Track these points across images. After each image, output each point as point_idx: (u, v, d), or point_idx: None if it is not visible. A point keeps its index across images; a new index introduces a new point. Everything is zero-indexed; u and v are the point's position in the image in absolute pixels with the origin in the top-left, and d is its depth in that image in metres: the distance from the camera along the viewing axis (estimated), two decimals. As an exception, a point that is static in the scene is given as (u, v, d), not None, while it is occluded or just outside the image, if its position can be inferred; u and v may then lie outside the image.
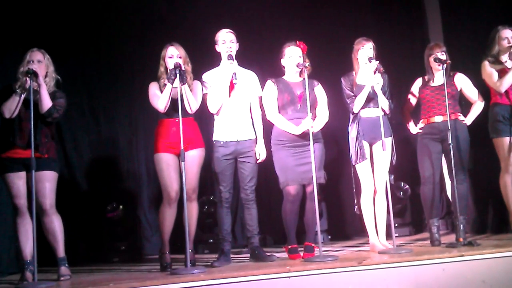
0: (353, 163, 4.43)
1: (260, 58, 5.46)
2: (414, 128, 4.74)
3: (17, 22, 5.25)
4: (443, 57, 4.55)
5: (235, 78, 4.22)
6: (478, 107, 4.66)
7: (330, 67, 5.28)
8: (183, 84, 4.10)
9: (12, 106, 3.99)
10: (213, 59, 4.52)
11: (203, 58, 4.71)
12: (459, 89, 4.64)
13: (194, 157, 4.26)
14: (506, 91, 4.54)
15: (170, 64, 4.19)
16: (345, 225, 6.08)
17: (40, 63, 4.11)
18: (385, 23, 6.14)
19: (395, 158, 4.48)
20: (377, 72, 4.30)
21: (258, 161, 4.37)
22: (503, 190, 4.57)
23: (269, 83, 4.39)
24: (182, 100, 4.07)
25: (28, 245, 4.02)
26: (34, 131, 3.87)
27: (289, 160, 4.23)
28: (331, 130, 4.58)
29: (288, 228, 4.31)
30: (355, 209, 4.58)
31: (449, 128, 4.31)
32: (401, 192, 5.81)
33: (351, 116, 4.46)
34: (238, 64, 4.38)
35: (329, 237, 5.85)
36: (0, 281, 4.44)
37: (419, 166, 4.65)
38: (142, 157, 6.02)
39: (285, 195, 4.27)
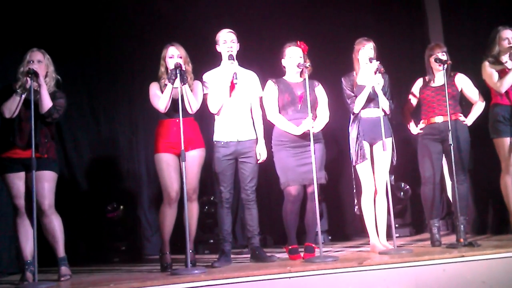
0: (354, 163, 4.43)
1: (261, 58, 5.46)
2: (414, 129, 4.74)
3: (17, 22, 5.25)
4: (444, 57, 4.55)
5: (236, 78, 4.22)
6: (478, 107, 4.66)
7: (331, 67, 5.28)
8: (184, 84, 4.10)
9: (13, 106, 3.98)
10: (213, 59, 4.51)
11: (204, 58, 4.71)
12: (459, 90, 4.64)
13: (195, 157, 4.26)
14: (507, 92, 4.54)
15: (171, 64, 4.19)
16: (345, 225, 6.08)
17: (40, 63, 4.11)
18: (385, 24, 6.14)
19: (395, 159, 4.48)
20: (377, 72, 4.30)
21: (258, 162, 4.36)
22: (503, 191, 4.57)
23: (270, 84, 4.39)
24: (182, 100, 4.07)
25: (28, 246, 4.02)
26: (34, 131, 3.87)
27: (290, 161, 4.23)
28: (331, 130, 4.58)
29: (289, 229, 4.31)
30: (356, 210, 4.58)
31: (450, 128, 4.31)
32: (402, 193, 5.81)
33: (352, 117, 4.46)
34: (239, 64, 4.38)
35: (330, 237, 5.85)
36: (0, 281, 4.44)
37: (419, 166, 4.65)
38: (142, 157, 6.02)
39: (286, 195, 4.26)
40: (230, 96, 4.32)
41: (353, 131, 4.42)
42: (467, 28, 5.58)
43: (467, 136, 4.58)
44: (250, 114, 4.43)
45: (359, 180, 4.45)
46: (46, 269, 4.41)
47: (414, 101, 4.77)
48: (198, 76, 4.43)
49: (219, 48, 4.45)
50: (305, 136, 4.18)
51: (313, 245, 4.28)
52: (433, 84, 4.64)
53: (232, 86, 4.30)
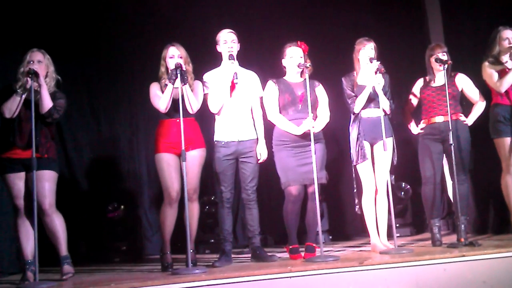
0: (354, 163, 4.43)
1: (261, 59, 5.46)
2: (415, 129, 4.74)
3: (17, 22, 5.25)
4: (444, 57, 4.55)
5: (236, 78, 4.22)
6: (479, 107, 4.66)
7: (331, 67, 5.28)
8: (184, 84, 4.10)
9: (13, 106, 3.99)
10: (214, 59, 4.51)
11: (204, 59, 4.71)
12: (460, 90, 4.64)
13: (195, 157, 4.26)
14: (507, 92, 4.54)
15: (171, 64, 4.19)
16: (346, 225, 6.08)
17: (40, 63, 4.11)
18: (385, 24, 6.14)
19: (396, 158, 4.47)
20: (378, 72, 4.30)
21: (259, 161, 4.36)
22: (504, 191, 4.57)
23: (270, 84, 4.39)
24: (183, 100, 4.07)
25: (29, 245, 4.02)
26: (34, 132, 3.87)
27: (291, 161, 4.23)
28: (332, 130, 4.58)
29: (289, 228, 4.31)
30: (356, 209, 4.58)
31: (450, 128, 4.31)
32: (402, 193, 5.81)
33: (352, 116, 4.46)
34: (239, 64, 4.38)
35: (330, 237, 5.86)
36: (1, 281, 4.44)
37: (420, 166, 4.65)
38: (142, 157, 6.03)
39: (287, 195, 4.27)
40: (230, 96, 4.32)
41: (353, 131, 4.42)
42: (467, 28, 5.58)
43: (468, 136, 4.58)
44: (250, 114, 4.43)
45: (359, 180, 4.45)
46: (46, 268, 4.42)
47: (414, 101, 4.78)
48: (198, 76, 4.43)
49: (219, 48, 4.45)
50: (305, 136, 4.18)
51: (314, 245, 4.29)
52: (433, 84, 4.64)
53: (233, 86, 4.30)
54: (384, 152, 4.31)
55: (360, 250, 4.74)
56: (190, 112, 4.24)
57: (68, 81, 4.58)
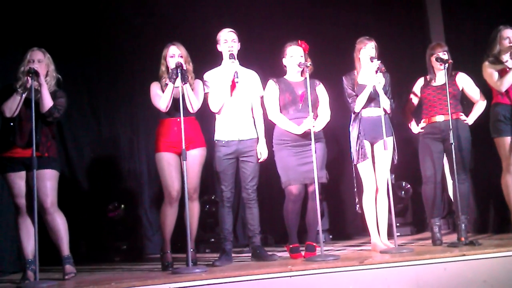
0: (355, 162, 4.43)
1: (262, 58, 5.46)
2: (415, 128, 4.74)
3: (17, 22, 5.25)
4: (445, 56, 4.56)
5: (237, 77, 4.22)
6: (480, 106, 4.66)
7: (331, 66, 5.28)
8: (185, 83, 4.10)
9: (13, 106, 3.99)
10: (214, 59, 4.52)
11: (204, 58, 4.71)
12: (460, 89, 4.64)
13: (196, 156, 4.26)
14: (507, 91, 4.54)
15: (172, 64, 4.19)
16: (346, 224, 6.09)
17: (40, 62, 4.11)
18: (386, 23, 6.14)
19: (396, 158, 4.47)
20: (378, 71, 4.30)
21: (259, 161, 4.36)
22: (504, 190, 4.56)
23: (271, 83, 4.39)
24: (183, 100, 4.07)
25: (29, 244, 4.02)
26: (34, 131, 3.87)
27: (291, 160, 4.23)
28: (332, 129, 4.58)
29: (290, 228, 4.31)
30: (357, 208, 4.58)
31: (451, 127, 4.31)
32: (403, 192, 5.81)
33: (352, 116, 4.46)
34: (240, 64, 4.38)
35: (331, 236, 5.86)
36: (1, 280, 4.44)
37: (420, 165, 4.65)
38: (143, 157, 6.03)
39: (287, 194, 4.27)
40: (231, 95, 4.32)
41: (354, 130, 4.42)
42: (468, 28, 5.57)
43: (468, 135, 4.58)
44: (251, 113, 4.43)
45: (360, 179, 4.45)
46: (47, 268, 4.42)
47: (415, 100, 4.78)
48: (199, 75, 4.43)
49: (220, 47, 4.45)
50: (306, 135, 4.18)
51: (314, 244, 4.29)
52: (434, 84, 4.65)
53: (233, 85, 4.30)
54: (385, 151, 4.31)
55: (361, 250, 4.74)
56: (191, 111, 4.25)
57: (68, 81, 4.58)
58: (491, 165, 4.82)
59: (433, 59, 4.59)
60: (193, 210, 4.28)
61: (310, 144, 4.07)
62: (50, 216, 4.08)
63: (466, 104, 4.72)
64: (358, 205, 4.55)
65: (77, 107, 5.79)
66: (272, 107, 4.34)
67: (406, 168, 5.25)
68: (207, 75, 4.42)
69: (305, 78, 4.21)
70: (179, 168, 4.21)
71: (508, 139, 4.51)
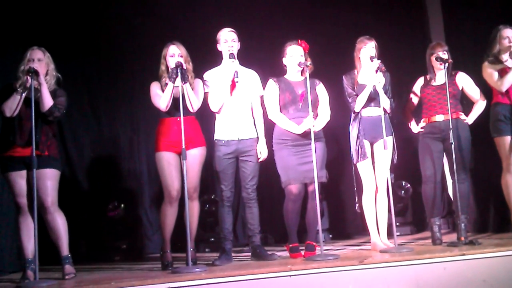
0: (354, 162, 4.43)
1: (262, 57, 5.46)
2: (415, 127, 4.74)
3: (17, 22, 5.25)
4: (445, 56, 4.55)
5: (237, 77, 4.22)
6: (480, 106, 4.66)
7: (332, 66, 5.28)
8: (185, 83, 4.10)
9: (13, 105, 3.99)
10: (214, 58, 4.52)
11: (204, 57, 4.71)
12: (460, 88, 4.64)
13: (195, 156, 4.26)
14: (507, 90, 4.54)
15: (171, 63, 4.19)
16: (346, 224, 6.09)
17: (40, 61, 4.11)
18: (386, 23, 6.14)
19: (396, 157, 4.47)
20: (378, 71, 4.30)
21: (259, 160, 4.36)
22: (504, 189, 4.56)
23: (271, 82, 4.39)
24: (183, 99, 4.07)
25: (30, 244, 4.02)
26: (34, 130, 3.87)
27: (291, 159, 4.24)
28: (332, 129, 4.58)
29: (290, 227, 4.31)
30: (356, 208, 4.58)
31: (451, 127, 4.31)
32: (403, 191, 5.82)
33: (352, 115, 4.46)
34: (240, 63, 4.38)
35: (330, 236, 5.86)
36: (1, 280, 4.44)
37: (420, 165, 4.65)
38: (143, 156, 6.04)
39: (287, 194, 4.27)
40: (231, 95, 4.32)
41: (353, 130, 4.42)
42: (468, 28, 5.57)
43: (468, 135, 4.58)
44: (251, 113, 4.43)
45: (360, 178, 4.46)
46: (47, 267, 4.42)
47: (415, 100, 4.77)
48: (198, 75, 4.43)
49: (219, 47, 4.45)
50: (306, 134, 4.18)
51: (314, 244, 4.29)
52: (434, 83, 4.65)
53: (233, 85, 4.30)
54: (384, 150, 4.31)
55: (360, 249, 4.74)
56: (191, 110, 4.25)
57: (68, 81, 4.58)
58: (491, 165, 4.82)
59: (433, 58, 4.59)
60: (193, 210, 4.28)
61: (310, 144, 4.07)
62: (50, 216, 4.08)
63: (466, 104, 4.72)
64: (357, 205, 4.55)
65: (77, 107, 5.80)
66: (272, 106, 4.34)
67: (406, 167, 5.25)
68: (207, 75, 4.43)
69: (305, 77, 4.21)
70: (179, 167, 4.22)
71: (508, 138, 4.51)
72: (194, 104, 4.24)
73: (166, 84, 4.20)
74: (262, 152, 4.36)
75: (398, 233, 4.69)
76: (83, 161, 5.93)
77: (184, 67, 4.10)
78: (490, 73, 4.57)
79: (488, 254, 3.75)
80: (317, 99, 4.38)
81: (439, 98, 4.55)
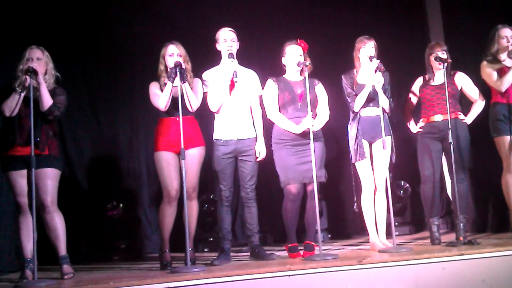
0: (353, 161, 4.43)
1: (261, 57, 5.46)
2: (414, 127, 4.74)
3: (17, 21, 5.25)
4: (444, 56, 4.56)
5: (236, 77, 4.22)
6: (478, 106, 4.66)
7: (331, 66, 5.28)
8: (184, 82, 4.10)
9: (12, 104, 3.98)
10: (213, 58, 4.51)
11: (203, 57, 4.71)
12: (459, 88, 4.64)
13: (194, 155, 4.26)
14: (506, 90, 4.54)
15: (170, 63, 4.19)
16: (345, 223, 6.09)
17: (39, 60, 4.10)
18: (385, 22, 6.14)
19: (394, 157, 4.48)
20: (377, 70, 4.30)
21: (257, 159, 4.36)
22: (504, 189, 4.56)
23: (270, 82, 4.39)
24: (182, 99, 4.07)
25: (29, 244, 4.00)
26: (34, 129, 3.87)
27: (290, 159, 4.23)
28: (331, 129, 4.58)
29: (289, 227, 4.31)
30: (355, 207, 4.58)
31: (450, 127, 4.31)
32: (401, 191, 5.82)
33: (351, 115, 4.46)
34: (239, 63, 4.38)
35: (329, 235, 5.86)
36: (0, 279, 4.44)
37: (419, 165, 4.65)
38: (142, 156, 6.03)
39: (286, 194, 4.27)
40: (230, 94, 4.32)
41: (352, 130, 4.43)
42: (467, 27, 5.57)
43: (467, 135, 4.58)
44: (250, 113, 4.43)
45: (358, 177, 4.46)
46: (45, 267, 4.42)
47: (414, 99, 4.77)
48: (197, 74, 4.43)
49: (219, 46, 4.45)
50: (305, 134, 4.18)
51: (313, 243, 4.29)
52: (433, 83, 4.65)
53: (232, 85, 4.30)
54: (383, 150, 4.31)
55: (359, 249, 4.74)
56: (190, 110, 4.24)
57: (68, 81, 4.58)
58: (490, 165, 4.82)
59: (432, 58, 4.59)
60: (192, 209, 4.28)
61: (309, 144, 4.07)
62: (49, 215, 4.07)
63: (465, 104, 4.72)
64: (356, 204, 4.55)
65: (77, 107, 5.80)
66: (271, 106, 4.34)
67: (405, 167, 5.25)
68: (206, 74, 4.42)
69: (304, 77, 4.20)
70: (178, 167, 4.21)
71: (507, 138, 4.51)
72: (193, 103, 4.23)
73: (165, 83, 4.20)
74: (261, 152, 4.36)
75: (397, 233, 4.69)
76: (83, 161, 5.93)
77: (183, 67, 4.10)
78: (489, 72, 4.57)
79: (487, 254, 3.75)
80: (316, 99, 4.38)
81: (438, 98, 4.55)
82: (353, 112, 4.44)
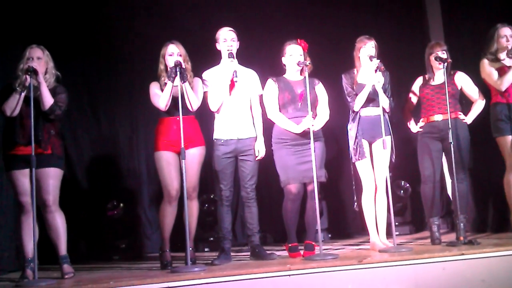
0: (353, 160, 4.43)
1: (261, 57, 5.46)
2: (414, 127, 4.74)
3: (17, 21, 5.25)
4: (444, 55, 4.56)
5: (236, 76, 4.22)
6: (478, 106, 4.65)
7: (331, 65, 5.28)
8: (184, 82, 4.10)
9: (13, 104, 3.98)
10: (213, 58, 4.51)
11: (203, 57, 4.70)
12: (459, 88, 4.64)
13: (195, 155, 4.26)
14: (506, 89, 4.54)
15: (170, 62, 4.19)
16: (345, 223, 6.09)
17: (39, 60, 4.10)
18: (385, 22, 6.14)
19: (394, 157, 4.47)
20: (378, 70, 4.30)
21: (257, 158, 4.36)
22: (506, 189, 4.54)
23: (270, 82, 4.39)
24: (182, 98, 4.07)
25: (31, 243, 4.00)
26: (35, 128, 3.87)
27: (290, 159, 4.23)
28: (331, 128, 4.58)
29: (289, 227, 4.31)
30: (355, 206, 4.58)
31: (450, 127, 4.31)
32: (402, 191, 5.82)
33: (351, 114, 4.46)
34: (239, 62, 4.38)
35: (330, 235, 5.86)
36: (0, 279, 4.44)
37: (419, 165, 4.65)
38: (142, 155, 6.03)
39: (286, 193, 4.27)
40: (230, 94, 4.32)
41: (352, 129, 4.42)
42: (467, 27, 5.58)
43: (467, 135, 4.58)
44: (250, 112, 4.43)
45: (358, 177, 4.46)
46: (46, 266, 4.42)
47: (414, 99, 4.77)
48: (197, 74, 4.43)
49: (219, 46, 4.45)
50: (305, 134, 4.18)
51: (313, 243, 4.29)
52: (433, 83, 4.65)
53: (232, 84, 4.30)
54: (383, 150, 4.31)
55: (359, 249, 4.74)
56: (190, 110, 4.24)
57: (68, 80, 4.57)
58: (490, 165, 4.83)
59: (432, 58, 4.59)
60: (192, 209, 4.28)
61: (309, 143, 4.07)
62: (51, 215, 4.07)
63: (465, 103, 4.72)
64: (356, 203, 4.55)
65: (77, 106, 5.79)
66: (271, 106, 4.34)
67: (405, 167, 5.24)
68: (206, 74, 4.42)
69: (304, 77, 4.20)
70: (179, 167, 4.21)
71: (510, 137, 4.50)
72: (193, 103, 4.23)
73: (165, 83, 4.20)
74: (260, 151, 4.36)
75: (397, 233, 4.69)
76: (83, 160, 5.93)
77: (183, 66, 4.10)
78: (489, 72, 4.57)
79: (487, 254, 3.75)
80: (316, 98, 4.38)
81: (438, 98, 4.55)
82: (353, 111, 4.44)
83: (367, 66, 4.41)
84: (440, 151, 4.58)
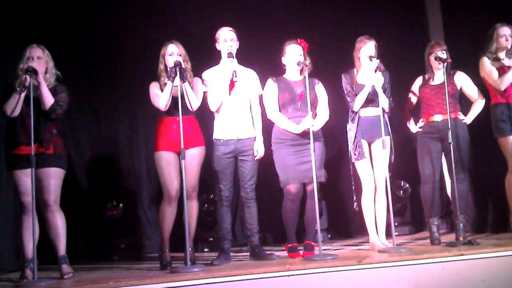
0: (352, 160, 4.43)
1: (261, 57, 5.46)
2: (414, 127, 4.74)
3: (17, 21, 5.25)
4: (444, 55, 4.55)
5: (236, 76, 4.22)
6: (478, 106, 4.65)
7: (331, 65, 5.28)
8: (184, 82, 4.10)
9: (13, 104, 3.98)
10: (213, 58, 4.51)
11: (203, 57, 4.70)
12: (459, 88, 4.64)
13: (194, 155, 4.26)
14: (505, 90, 4.54)
15: (170, 62, 4.19)
16: (345, 223, 6.09)
17: (39, 59, 4.09)
18: (386, 22, 6.13)
19: (393, 157, 4.47)
20: (377, 70, 4.29)
21: (256, 158, 4.36)
22: (507, 189, 4.55)
23: (270, 82, 4.39)
24: (182, 98, 4.07)
25: (31, 243, 3.99)
26: (37, 127, 3.87)
27: (290, 159, 4.23)
28: (331, 128, 4.58)
29: (288, 227, 4.31)
30: (354, 206, 4.58)
31: (449, 127, 4.31)
32: (401, 191, 5.82)
33: (351, 114, 4.46)
34: (239, 63, 4.37)
35: (329, 235, 5.86)
36: (0, 279, 4.44)
37: (419, 165, 4.65)
38: (142, 155, 6.03)
39: (286, 193, 4.26)
40: (229, 94, 4.32)
41: (351, 130, 4.42)
42: (467, 27, 5.58)
43: (467, 135, 4.58)
44: (249, 112, 4.43)
45: (358, 177, 4.45)
46: (45, 267, 4.42)
47: (413, 99, 4.77)
48: (197, 74, 4.43)
49: (218, 46, 4.44)
50: (305, 134, 4.18)
51: (313, 243, 4.28)
52: (432, 83, 4.64)
53: (232, 84, 4.29)
54: (383, 150, 4.31)
55: (359, 249, 4.74)
56: (190, 109, 4.24)
57: (68, 80, 4.56)
58: (490, 165, 4.82)
59: (432, 58, 4.58)
60: (192, 209, 4.28)
61: (309, 143, 4.07)
62: (51, 214, 4.07)
63: (465, 104, 4.72)
64: (355, 203, 4.55)
65: (77, 106, 5.78)
66: (271, 106, 4.34)
67: (405, 167, 5.24)
68: (205, 74, 4.42)
69: (304, 77, 4.20)
70: (178, 167, 4.21)
71: (511, 138, 4.50)
72: (193, 103, 4.23)
73: (165, 83, 4.20)
74: (259, 150, 4.36)
75: (397, 233, 4.69)
76: (82, 160, 5.93)
77: (183, 66, 4.10)
78: (489, 71, 4.57)
79: (486, 254, 3.75)
80: (316, 98, 4.37)
81: (438, 98, 4.55)
82: (353, 111, 4.43)
83: (367, 66, 4.41)
84: (440, 151, 4.58)
